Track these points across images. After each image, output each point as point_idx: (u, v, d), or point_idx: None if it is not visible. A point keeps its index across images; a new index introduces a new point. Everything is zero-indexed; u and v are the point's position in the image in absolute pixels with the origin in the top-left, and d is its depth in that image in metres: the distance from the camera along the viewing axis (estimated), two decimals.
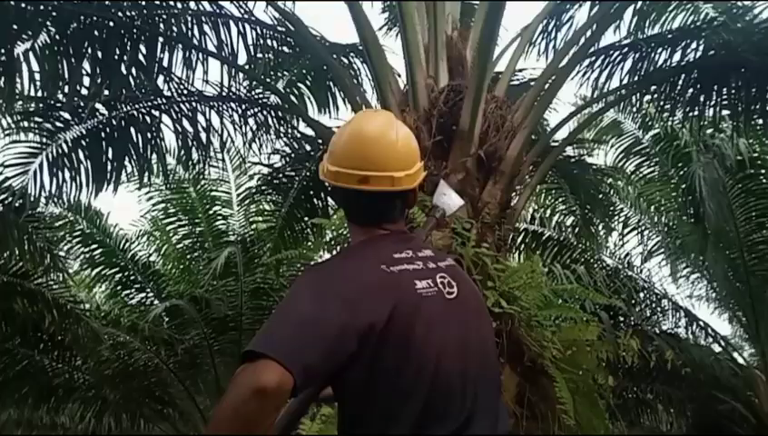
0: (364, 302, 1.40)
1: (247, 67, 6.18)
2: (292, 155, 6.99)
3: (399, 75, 5.13)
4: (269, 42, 6.22)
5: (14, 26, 5.02)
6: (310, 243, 8.06)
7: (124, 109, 5.84)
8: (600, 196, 7.67)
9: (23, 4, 4.99)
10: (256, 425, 1.23)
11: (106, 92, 5.60)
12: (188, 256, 10.20)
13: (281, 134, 6.71)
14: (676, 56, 5.73)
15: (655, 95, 6.27)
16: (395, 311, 1.41)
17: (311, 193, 7.06)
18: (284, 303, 1.45)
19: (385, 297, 1.43)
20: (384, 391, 1.41)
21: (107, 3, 5.42)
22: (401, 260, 1.53)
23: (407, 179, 1.61)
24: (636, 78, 5.93)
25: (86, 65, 5.33)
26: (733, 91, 5.69)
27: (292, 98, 6.76)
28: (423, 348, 1.43)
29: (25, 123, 5.78)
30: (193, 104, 6.06)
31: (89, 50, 5.27)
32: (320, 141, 6.60)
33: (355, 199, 1.62)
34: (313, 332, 1.34)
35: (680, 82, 5.75)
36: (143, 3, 5.61)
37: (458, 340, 1.50)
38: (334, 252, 4.92)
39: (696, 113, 5.93)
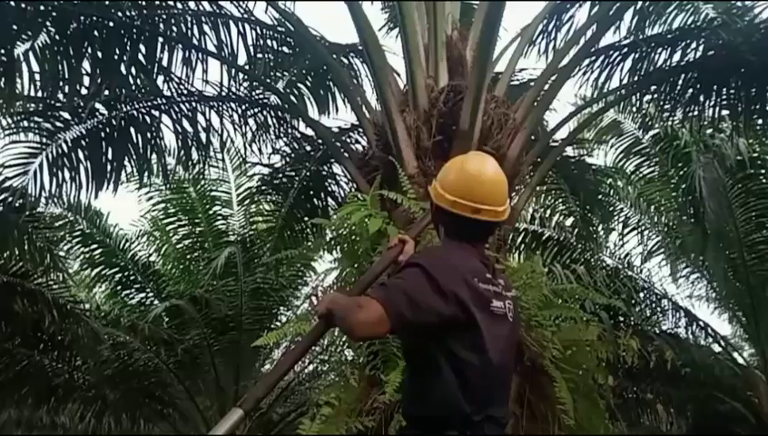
0: (457, 295, 1.84)
1: (247, 67, 6.18)
2: (292, 155, 6.99)
3: (399, 75, 5.13)
4: (269, 42, 6.22)
5: (14, 26, 5.02)
6: (309, 243, 8.06)
7: (124, 109, 5.84)
8: (600, 196, 7.68)
9: (23, 5, 5.00)
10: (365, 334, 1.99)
11: (106, 92, 5.60)
12: (188, 256, 10.20)
13: (281, 134, 6.71)
14: (676, 56, 5.74)
15: (655, 95, 6.27)
16: (477, 315, 1.86)
17: (311, 193, 7.06)
18: (402, 274, 1.93)
19: (471, 302, 1.86)
20: (460, 370, 1.85)
21: (107, 3, 5.42)
22: (488, 280, 1.95)
23: (504, 212, 2.05)
24: (636, 78, 5.93)
25: (86, 65, 5.34)
26: (733, 91, 5.70)
27: (292, 98, 6.76)
28: (489, 350, 1.87)
29: (25, 123, 5.78)
30: (193, 104, 6.06)
31: (89, 50, 5.27)
32: (319, 141, 6.61)
33: (461, 222, 2.03)
34: (415, 298, 1.82)
35: (680, 82, 5.75)
36: (143, 3, 5.60)
37: (508, 352, 1.99)
38: (334, 253, 4.92)
39: (696, 113, 5.94)
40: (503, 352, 1.93)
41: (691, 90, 5.76)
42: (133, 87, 5.73)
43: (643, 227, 9.39)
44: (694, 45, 5.64)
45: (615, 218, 9.10)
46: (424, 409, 1.91)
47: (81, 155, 5.81)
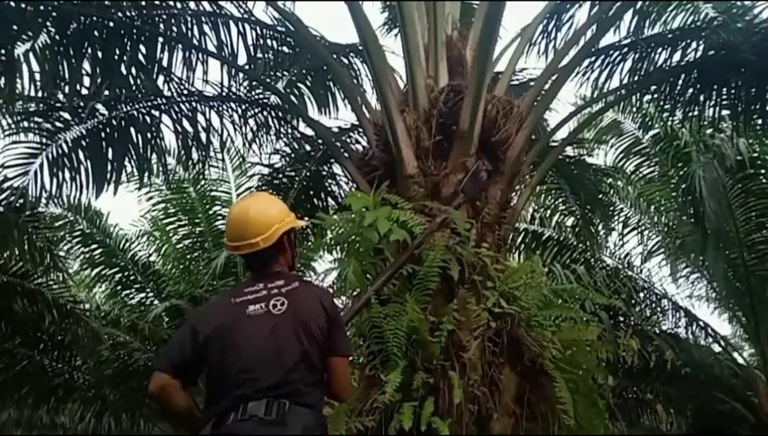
0: (202, 324, 2.29)
1: (247, 67, 6.18)
2: (292, 155, 6.98)
3: (399, 75, 5.12)
4: (269, 42, 6.22)
5: (14, 26, 5.01)
6: (309, 243, 8.06)
7: (124, 109, 5.83)
8: (600, 196, 7.67)
9: (23, 5, 4.99)
10: (168, 403, 2.26)
11: (106, 92, 5.59)
12: (188, 256, 10.20)
13: (281, 134, 6.71)
14: (676, 56, 5.73)
15: (655, 95, 6.27)
16: (221, 328, 2.24)
17: (311, 193, 7.06)
18: None
19: (217, 320, 2.28)
20: (211, 373, 2.23)
21: (107, 3, 5.42)
22: (248, 293, 2.32)
23: (264, 241, 2.37)
24: (636, 78, 5.93)
25: (86, 65, 5.34)
26: (733, 91, 5.69)
27: (292, 98, 6.76)
28: (237, 347, 2.20)
29: (25, 123, 5.78)
30: (193, 104, 6.06)
31: (89, 50, 5.27)
32: (320, 141, 6.60)
33: (241, 257, 2.49)
34: (173, 347, 2.35)
35: (680, 82, 5.75)
36: (143, 3, 5.60)
37: (283, 336, 2.22)
38: (334, 253, 4.95)
39: (696, 113, 5.93)
40: (268, 340, 2.21)
41: (691, 90, 5.75)
42: (133, 87, 5.72)
43: (643, 227, 9.41)
44: (694, 45, 5.63)
45: (615, 218, 9.11)
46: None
47: (81, 155, 5.80)
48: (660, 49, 5.80)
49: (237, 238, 2.40)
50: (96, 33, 5.28)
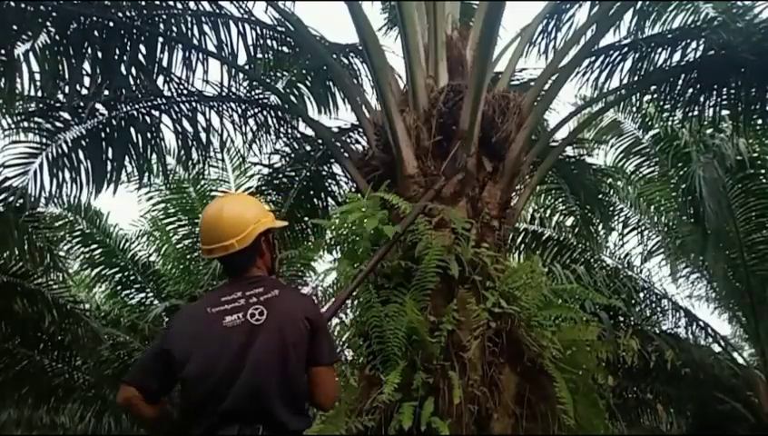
0: (175, 338, 2.17)
1: (247, 67, 6.18)
2: (292, 155, 6.99)
3: (399, 75, 5.12)
4: (269, 42, 6.22)
5: (14, 26, 5.02)
6: (310, 243, 8.06)
7: (124, 109, 5.83)
8: (600, 196, 7.67)
9: (23, 5, 4.99)
10: (135, 414, 2.26)
11: (106, 92, 5.60)
12: (188, 256, 10.21)
13: (281, 134, 6.71)
14: (676, 56, 5.73)
15: (655, 95, 6.27)
16: (194, 342, 2.12)
17: (311, 193, 7.06)
18: None
19: (190, 333, 2.16)
20: (185, 389, 2.12)
21: (107, 3, 5.42)
22: (224, 302, 2.16)
23: (238, 242, 2.23)
24: (636, 78, 5.93)
25: (86, 65, 5.34)
26: (733, 91, 5.69)
27: (292, 98, 6.76)
28: (212, 363, 2.08)
29: (25, 123, 5.78)
30: (193, 104, 6.06)
31: (89, 50, 5.27)
32: (319, 141, 6.61)
33: (217, 261, 2.35)
34: (143, 362, 2.29)
35: (680, 82, 5.75)
36: (143, 3, 5.60)
37: (248, 355, 2.07)
38: (334, 253, 4.95)
39: (696, 113, 5.93)
40: (244, 357, 2.08)
41: (691, 90, 5.75)
42: (133, 87, 5.72)
43: (643, 227, 9.41)
44: (694, 45, 5.63)
45: (615, 218, 9.12)
46: None
47: (81, 155, 5.80)
48: (660, 49, 5.80)
49: (211, 240, 2.25)
50: (96, 33, 5.28)
